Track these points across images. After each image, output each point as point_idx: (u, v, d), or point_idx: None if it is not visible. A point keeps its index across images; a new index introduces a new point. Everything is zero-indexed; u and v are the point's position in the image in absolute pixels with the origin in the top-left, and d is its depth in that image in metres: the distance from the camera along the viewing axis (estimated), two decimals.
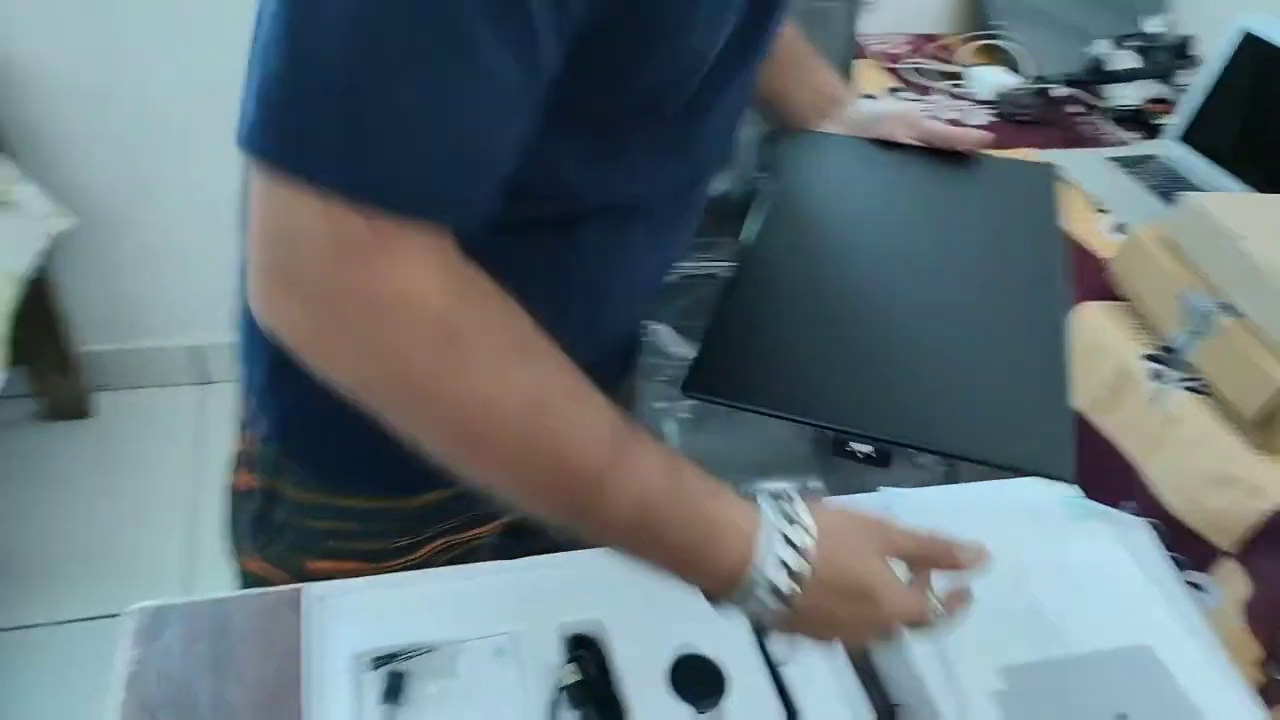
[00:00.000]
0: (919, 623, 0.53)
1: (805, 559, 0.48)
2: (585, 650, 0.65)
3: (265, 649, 0.65)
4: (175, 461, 1.80)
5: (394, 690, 0.60)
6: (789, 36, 0.78)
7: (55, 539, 1.65)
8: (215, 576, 1.66)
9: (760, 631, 0.67)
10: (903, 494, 0.79)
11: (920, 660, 0.65)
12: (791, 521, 0.48)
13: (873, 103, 0.82)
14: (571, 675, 0.62)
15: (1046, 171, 0.80)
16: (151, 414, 1.92)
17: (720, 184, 1.78)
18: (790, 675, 0.65)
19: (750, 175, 1.78)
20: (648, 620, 0.66)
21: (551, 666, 0.63)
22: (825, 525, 0.49)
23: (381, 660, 0.62)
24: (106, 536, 1.65)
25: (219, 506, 0.79)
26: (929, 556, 0.54)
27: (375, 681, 0.61)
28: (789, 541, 0.47)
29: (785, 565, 0.47)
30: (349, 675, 0.61)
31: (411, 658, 0.63)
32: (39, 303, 1.66)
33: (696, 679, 0.64)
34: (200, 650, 0.65)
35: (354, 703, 0.60)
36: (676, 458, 0.49)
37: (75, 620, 1.52)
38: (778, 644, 0.66)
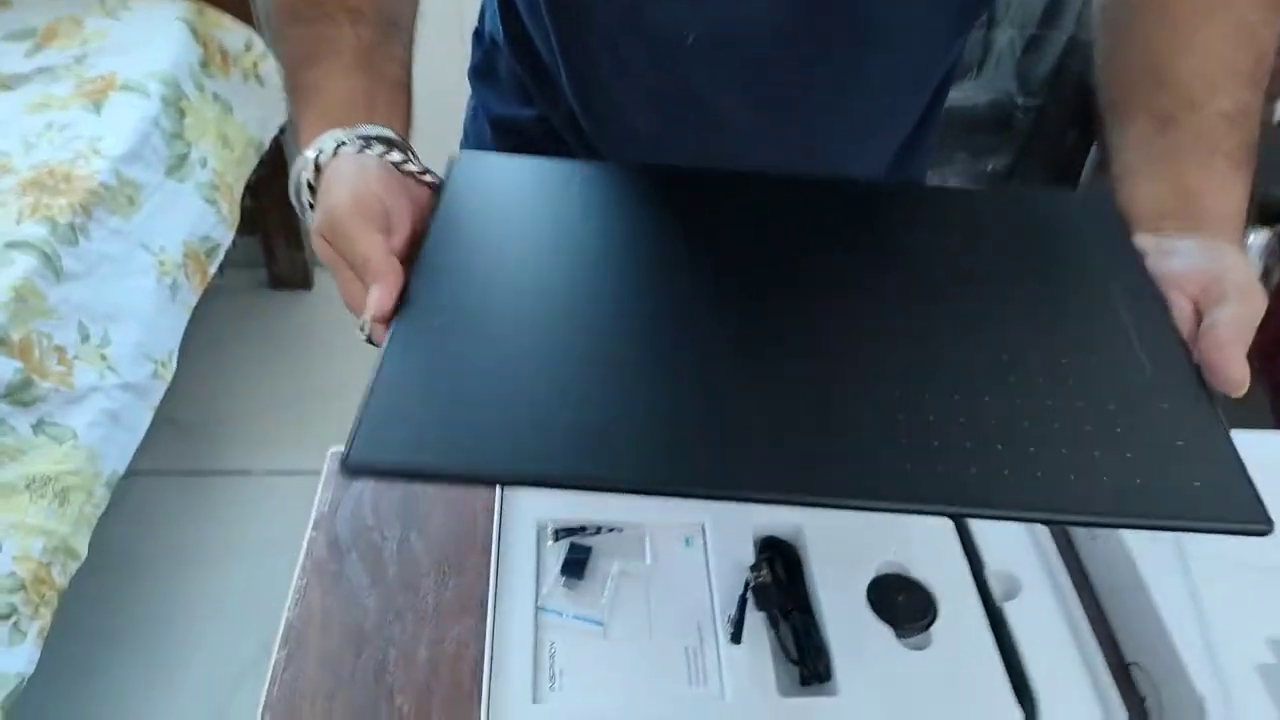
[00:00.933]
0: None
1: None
2: (777, 554, 0.60)
3: (453, 504, 0.64)
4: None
5: (576, 564, 0.57)
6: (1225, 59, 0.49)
7: (269, 397, 1.76)
8: None
9: (977, 563, 0.60)
10: None
11: (1171, 617, 0.55)
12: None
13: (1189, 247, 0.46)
14: (761, 576, 0.57)
15: (1098, 204, 0.51)
16: None
17: (967, 92, 1.62)
18: (1013, 612, 0.57)
19: (1008, 89, 1.59)
20: (852, 531, 0.60)
21: (742, 563, 0.58)
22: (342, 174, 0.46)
23: (565, 532, 0.59)
24: (317, 400, 1.75)
25: None
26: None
27: (558, 552, 0.58)
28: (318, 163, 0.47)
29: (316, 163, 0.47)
30: (533, 542, 0.59)
31: (597, 534, 0.60)
32: (274, 175, 1.74)
33: (900, 599, 0.57)
34: (392, 498, 0.64)
35: (536, 570, 0.58)
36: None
37: (278, 472, 1.62)
38: (998, 579, 0.59)
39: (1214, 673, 0.53)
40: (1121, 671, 0.57)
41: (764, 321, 0.44)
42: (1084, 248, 0.49)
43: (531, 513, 0.60)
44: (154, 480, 1.56)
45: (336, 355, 1.85)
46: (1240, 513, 0.38)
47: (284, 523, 1.55)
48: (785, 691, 0.53)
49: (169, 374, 1.21)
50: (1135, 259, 0.47)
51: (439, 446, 0.38)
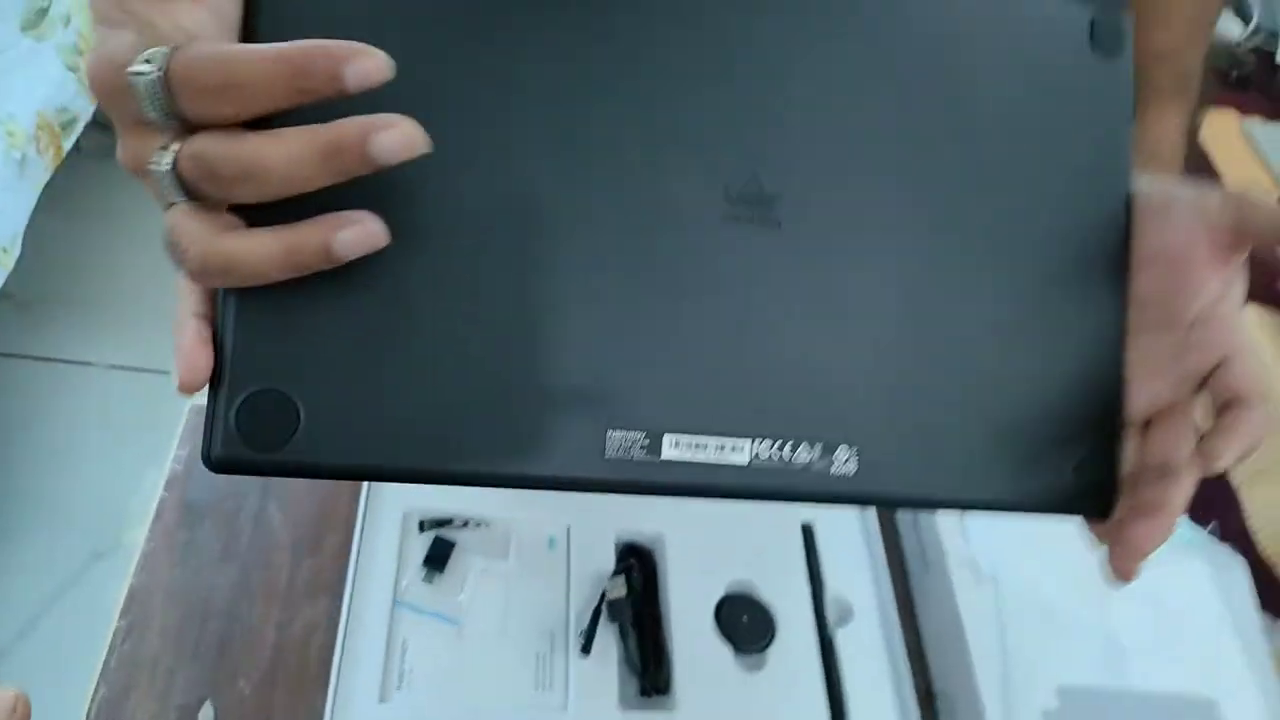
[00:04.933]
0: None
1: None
2: (637, 562, 0.62)
3: (316, 480, 0.63)
4: None
5: (438, 558, 0.58)
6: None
7: (121, 281, 1.65)
8: None
9: (819, 586, 0.64)
10: None
11: (977, 653, 0.61)
12: None
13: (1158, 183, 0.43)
14: (617, 589, 0.59)
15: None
16: None
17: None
18: (842, 640, 0.61)
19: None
20: (708, 546, 0.62)
21: (602, 570, 0.60)
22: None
23: (433, 524, 0.60)
24: (168, 285, 1.66)
25: None
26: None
27: (422, 544, 0.59)
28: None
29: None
30: (397, 530, 0.59)
31: (464, 528, 0.60)
32: None
33: (744, 620, 0.60)
34: None
35: (398, 559, 0.58)
36: None
37: (123, 368, 1.54)
38: (835, 605, 0.63)
39: (1004, 711, 0.60)
40: (928, 699, 0.62)
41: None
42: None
43: (399, 500, 0.60)
44: None
45: None
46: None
47: (124, 423, 1.49)
48: (626, 703, 0.55)
49: (11, 260, 1.12)
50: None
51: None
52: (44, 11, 1.25)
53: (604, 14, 0.34)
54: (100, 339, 1.55)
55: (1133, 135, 0.41)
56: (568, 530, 0.62)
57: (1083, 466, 0.38)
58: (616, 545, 0.62)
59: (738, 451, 0.34)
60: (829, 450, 0.35)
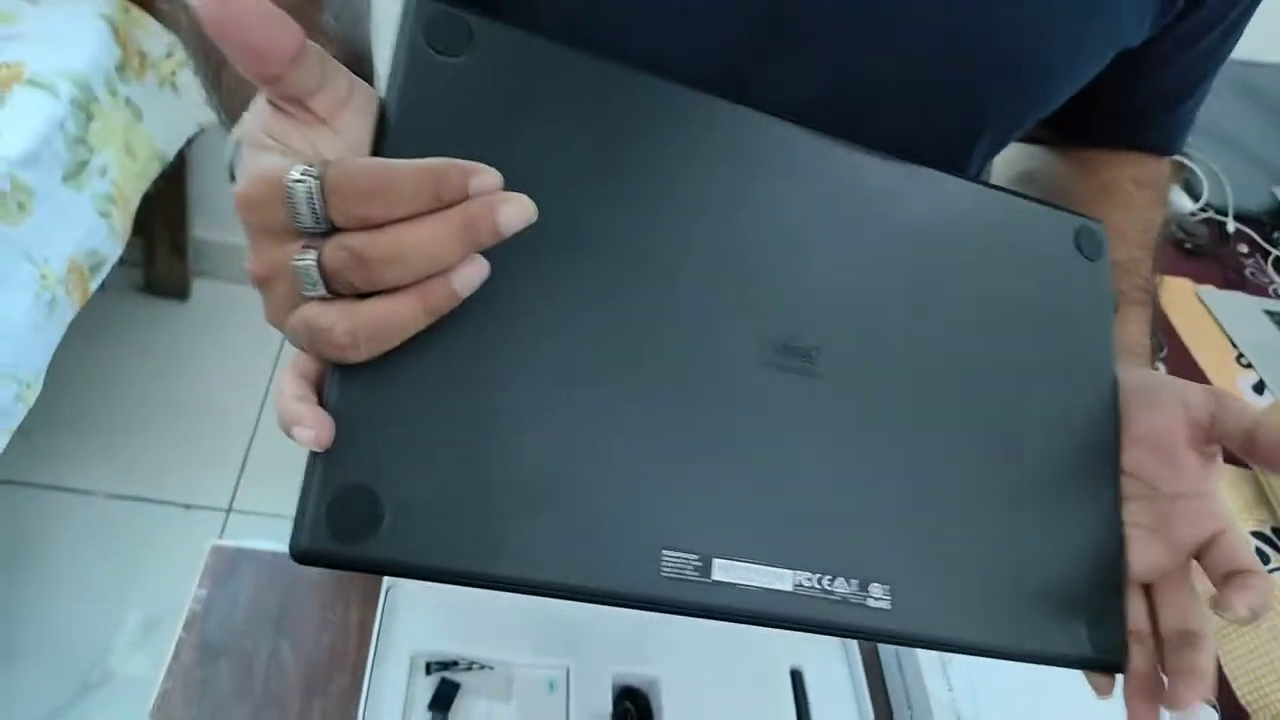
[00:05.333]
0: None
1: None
2: (634, 706, 0.64)
3: (328, 619, 0.66)
4: (257, 362, 1.85)
5: (444, 700, 0.60)
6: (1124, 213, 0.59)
7: (126, 409, 1.70)
8: (265, 486, 1.70)
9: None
10: None
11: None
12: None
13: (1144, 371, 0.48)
14: None
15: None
16: (245, 311, 1.97)
17: None
18: None
19: None
20: (702, 691, 0.65)
21: (600, 713, 0.62)
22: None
23: (439, 665, 0.62)
24: (174, 418, 1.70)
25: None
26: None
27: (428, 686, 0.61)
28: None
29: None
30: (405, 672, 0.61)
31: (468, 670, 0.63)
32: (170, 181, 1.70)
33: None
34: (268, 603, 0.66)
35: (404, 701, 0.60)
36: None
37: (120, 497, 1.56)
38: None
39: None
40: None
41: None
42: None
43: (407, 642, 0.63)
44: None
45: (204, 379, 1.80)
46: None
47: (120, 553, 1.50)
48: None
49: (32, 397, 1.16)
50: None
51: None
52: (84, 164, 1.34)
53: (672, 188, 0.40)
54: (101, 468, 1.58)
55: (1115, 328, 0.49)
56: (567, 673, 0.64)
57: (1095, 623, 0.43)
58: (614, 688, 0.64)
59: (781, 579, 0.37)
60: (864, 586, 0.39)
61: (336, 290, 0.30)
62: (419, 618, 0.64)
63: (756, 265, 0.41)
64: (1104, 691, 0.44)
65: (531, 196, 0.34)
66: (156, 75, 1.59)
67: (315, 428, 0.31)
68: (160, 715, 0.59)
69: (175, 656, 0.62)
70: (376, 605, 0.64)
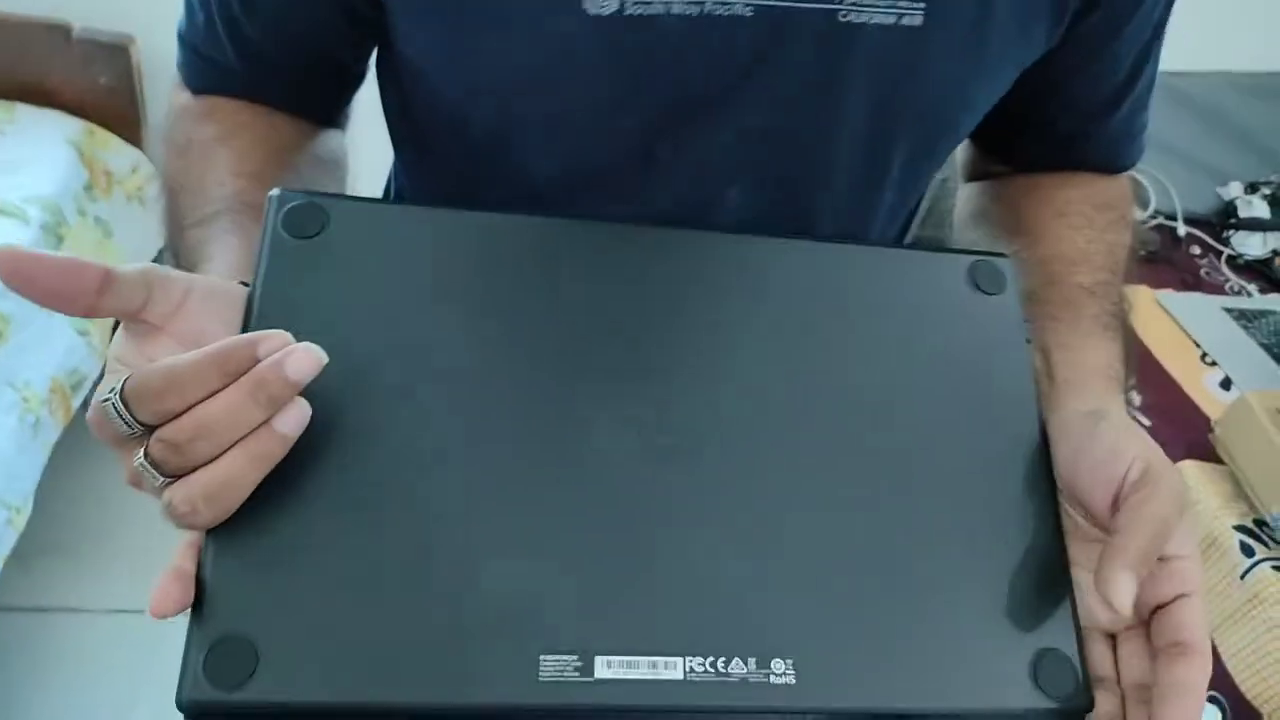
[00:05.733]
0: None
1: None
2: None
3: None
4: None
5: None
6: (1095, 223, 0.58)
7: (117, 523, 1.70)
8: None
9: None
10: None
11: None
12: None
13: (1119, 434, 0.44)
14: None
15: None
16: None
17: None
18: None
19: None
20: None
21: None
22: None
23: None
24: (166, 528, 1.69)
25: None
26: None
27: None
28: None
29: None
30: None
31: None
32: None
33: None
34: None
35: None
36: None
37: (117, 611, 1.56)
38: None
39: None
40: None
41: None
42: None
43: None
44: None
45: None
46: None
47: (121, 664, 1.49)
48: None
49: (22, 521, 1.17)
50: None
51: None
52: None
53: (530, 307, 0.42)
54: (97, 585, 1.57)
55: (1030, 354, 0.48)
56: None
57: (1049, 669, 0.40)
58: None
59: (671, 668, 0.36)
60: (763, 664, 0.37)
61: (172, 474, 0.34)
62: None
63: (628, 364, 0.41)
64: None
65: (388, 341, 0.38)
66: (124, 191, 1.63)
67: (156, 595, 0.34)
68: None
69: None
70: None
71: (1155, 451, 0.42)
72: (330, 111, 0.59)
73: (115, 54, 1.57)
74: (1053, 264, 0.56)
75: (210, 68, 0.55)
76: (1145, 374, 1.24)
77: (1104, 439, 0.43)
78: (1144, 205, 1.62)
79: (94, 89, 1.60)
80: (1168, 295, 1.43)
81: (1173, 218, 1.61)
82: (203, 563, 0.35)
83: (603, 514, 0.39)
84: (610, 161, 0.51)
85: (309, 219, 0.41)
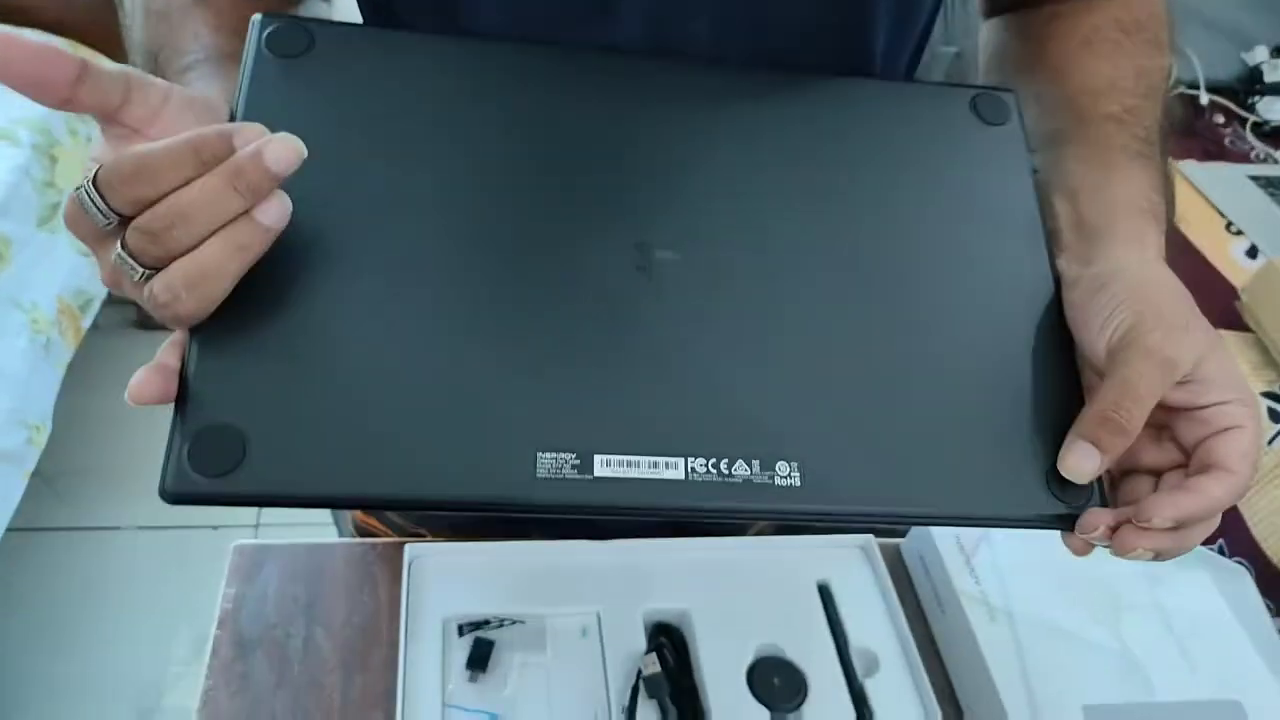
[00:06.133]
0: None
1: None
2: (668, 639, 0.65)
3: (357, 600, 0.66)
4: None
5: (480, 658, 0.61)
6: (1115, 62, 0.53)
7: (139, 442, 1.71)
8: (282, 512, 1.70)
9: (843, 640, 0.67)
10: None
11: (1003, 685, 0.64)
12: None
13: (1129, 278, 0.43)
14: (651, 665, 0.62)
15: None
16: None
17: None
18: (872, 689, 0.64)
19: None
20: (733, 616, 0.66)
21: (635, 652, 0.63)
22: None
23: (471, 626, 0.63)
24: None
25: None
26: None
27: (463, 647, 0.62)
28: None
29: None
30: (439, 637, 0.62)
31: (500, 627, 0.64)
32: None
33: (776, 681, 0.63)
34: (296, 593, 0.67)
35: (442, 665, 0.61)
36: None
37: (148, 527, 1.58)
38: (861, 657, 0.66)
39: None
40: None
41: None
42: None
43: (437, 608, 0.64)
44: (19, 536, 1.50)
45: None
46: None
47: (157, 580, 1.52)
48: None
49: (43, 439, 1.18)
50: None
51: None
52: (56, 206, 1.35)
53: (517, 128, 0.41)
54: (125, 504, 1.59)
55: (1035, 180, 0.47)
56: (598, 617, 0.65)
57: (1055, 476, 0.40)
58: (646, 626, 0.65)
59: (672, 468, 0.36)
60: (768, 466, 0.37)
61: (150, 266, 0.33)
62: (445, 584, 0.65)
63: (619, 188, 0.41)
64: (1080, 552, 0.41)
65: (374, 152, 0.37)
66: None
67: (133, 383, 0.34)
68: (206, 713, 0.60)
69: (214, 653, 0.63)
70: (402, 579, 0.65)
71: (1156, 305, 0.40)
72: None
73: None
74: (1079, 98, 0.52)
75: None
76: (1169, 245, 1.22)
77: (1101, 304, 0.42)
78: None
79: (73, 5, 1.55)
80: (1190, 166, 1.39)
81: (1195, 86, 1.55)
82: (187, 358, 0.34)
83: (603, 318, 0.38)
84: (565, 11, 0.49)
85: (293, 39, 0.40)
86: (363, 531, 0.77)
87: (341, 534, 0.87)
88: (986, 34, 0.62)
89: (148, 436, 1.65)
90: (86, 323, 1.35)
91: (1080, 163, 0.49)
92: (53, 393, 1.22)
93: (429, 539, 0.69)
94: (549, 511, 0.35)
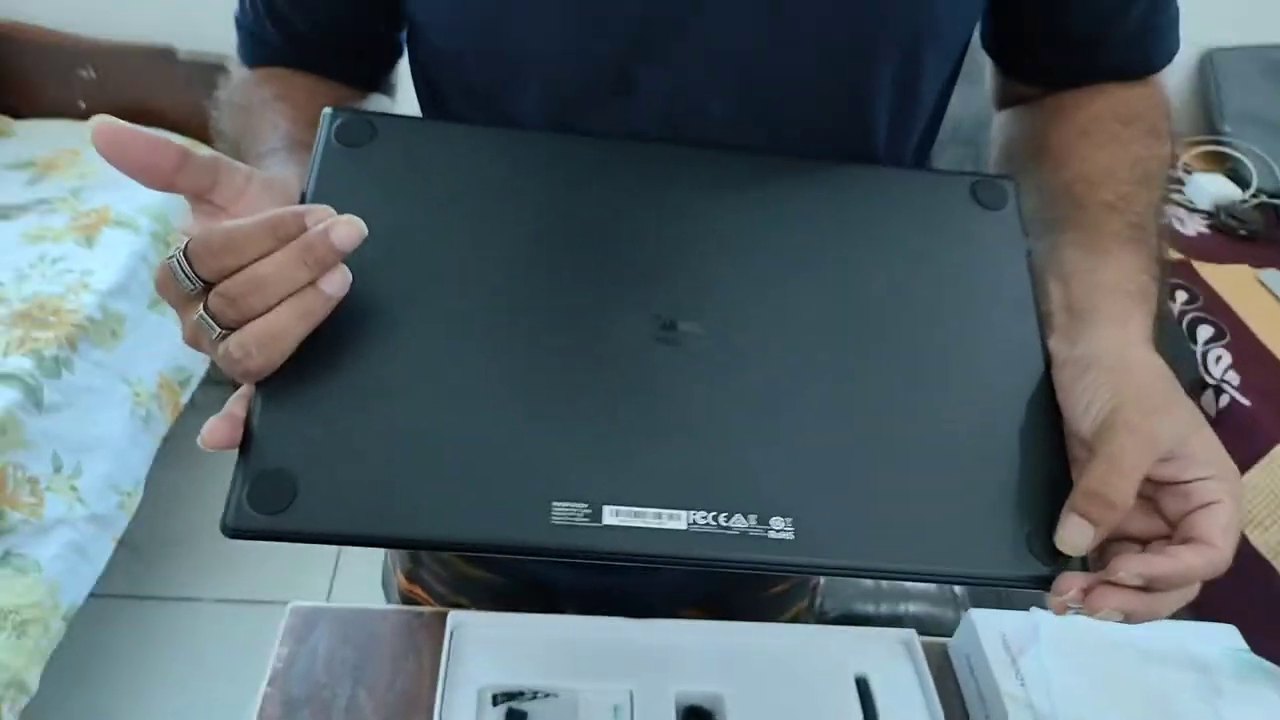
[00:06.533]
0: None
1: None
2: None
3: (401, 666, 0.69)
4: None
5: None
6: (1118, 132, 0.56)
7: (216, 519, 1.78)
8: (358, 580, 1.75)
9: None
10: (1057, 619, 0.75)
11: None
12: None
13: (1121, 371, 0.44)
14: None
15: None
16: None
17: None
18: None
19: None
20: (767, 703, 0.65)
21: None
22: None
23: (505, 697, 0.65)
24: None
25: None
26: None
27: (496, 716, 0.63)
28: None
29: None
30: (474, 706, 0.64)
31: (534, 699, 0.65)
32: None
33: None
34: (345, 656, 0.69)
35: None
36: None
37: (227, 600, 1.64)
38: None
39: None
40: None
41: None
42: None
43: (474, 678, 0.66)
44: (103, 602, 1.57)
45: None
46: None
47: (231, 651, 1.57)
48: None
49: (134, 505, 1.25)
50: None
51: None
52: None
53: (557, 213, 0.46)
54: (205, 576, 1.66)
55: (1029, 261, 0.49)
56: (631, 695, 0.66)
57: (1036, 538, 0.42)
58: (678, 708, 0.65)
59: (675, 519, 0.39)
60: (764, 520, 0.40)
61: (228, 327, 0.37)
62: (484, 653, 0.67)
63: (641, 265, 0.45)
64: (1060, 613, 0.42)
65: (425, 231, 0.43)
66: None
67: (206, 430, 0.38)
68: None
69: (261, 711, 0.65)
70: (443, 646, 0.67)
71: (1136, 387, 0.42)
72: (371, 79, 0.63)
73: (218, 75, 1.66)
74: (1076, 186, 0.55)
75: (260, 45, 0.61)
76: (1245, 353, 1.19)
77: (1085, 386, 0.44)
78: (1245, 184, 1.56)
79: (198, 109, 1.69)
80: (1271, 274, 1.36)
81: (1276, 196, 1.53)
82: (252, 410, 0.39)
83: (617, 381, 0.42)
84: (588, 93, 0.52)
85: (357, 130, 0.46)
86: (407, 600, 0.80)
87: (389, 601, 0.90)
88: (997, 125, 0.65)
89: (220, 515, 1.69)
90: (184, 399, 1.44)
91: (1074, 248, 0.51)
92: (147, 463, 1.30)
93: (470, 608, 0.71)
94: (561, 555, 0.39)
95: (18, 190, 1.55)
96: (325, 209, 0.38)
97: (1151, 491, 0.43)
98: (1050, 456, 0.44)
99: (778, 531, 0.39)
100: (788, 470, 0.41)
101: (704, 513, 0.39)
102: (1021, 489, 0.42)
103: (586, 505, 0.39)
